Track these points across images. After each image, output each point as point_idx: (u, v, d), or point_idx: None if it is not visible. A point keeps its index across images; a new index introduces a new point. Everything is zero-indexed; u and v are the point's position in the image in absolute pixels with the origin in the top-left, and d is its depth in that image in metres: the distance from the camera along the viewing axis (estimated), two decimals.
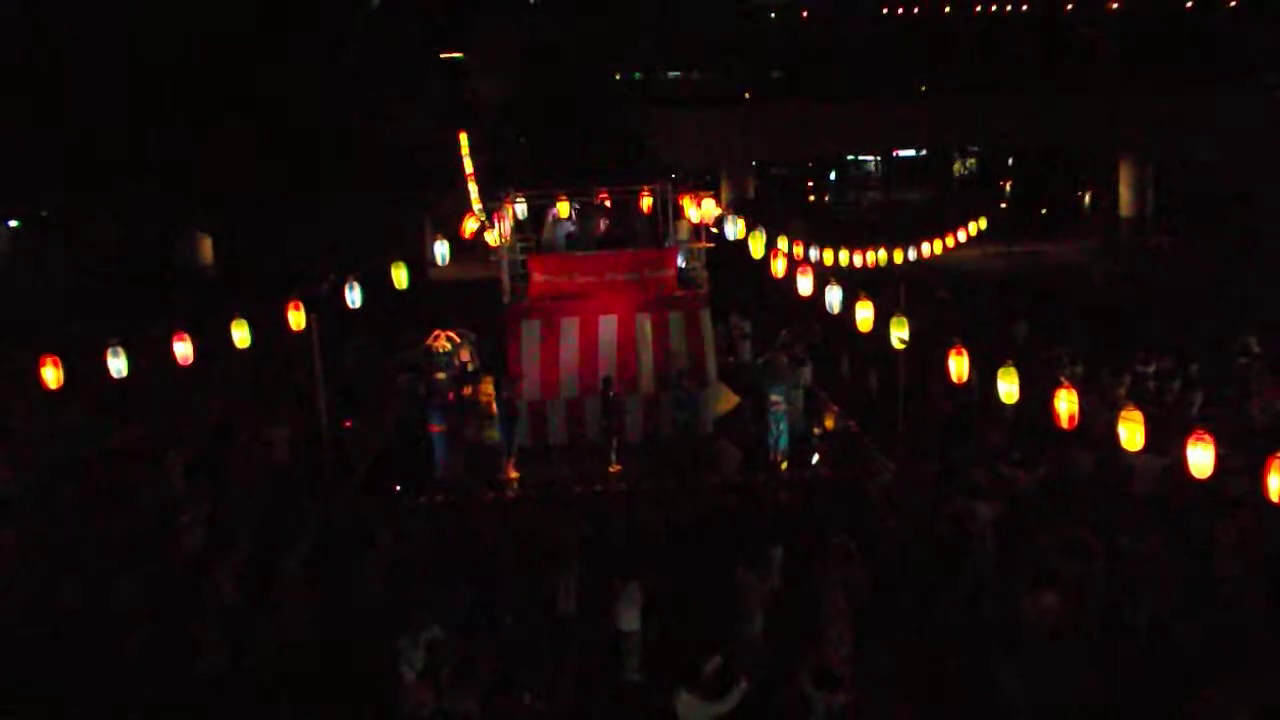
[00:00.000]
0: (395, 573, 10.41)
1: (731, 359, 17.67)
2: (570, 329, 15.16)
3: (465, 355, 16.60)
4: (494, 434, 14.34)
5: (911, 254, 20.60)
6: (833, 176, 48.91)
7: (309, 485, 13.08)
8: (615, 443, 13.72)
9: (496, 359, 15.86)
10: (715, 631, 8.96)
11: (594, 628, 9.77)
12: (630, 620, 9.32)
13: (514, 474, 13.60)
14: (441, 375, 15.19)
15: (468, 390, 15.00)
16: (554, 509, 12.15)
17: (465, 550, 11.00)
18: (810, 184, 47.98)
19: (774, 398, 13.73)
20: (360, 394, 17.01)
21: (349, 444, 14.75)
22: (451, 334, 16.69)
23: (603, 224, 16.68)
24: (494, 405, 14.51)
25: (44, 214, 32.46)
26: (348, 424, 14.33)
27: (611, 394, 13.92)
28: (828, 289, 12.55)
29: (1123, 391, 14.71)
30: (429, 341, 16.65)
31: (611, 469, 13.63)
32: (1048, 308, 22.78)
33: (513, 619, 9.71)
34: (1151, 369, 16.03)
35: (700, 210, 15.27)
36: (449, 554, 10.84)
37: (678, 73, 44.22)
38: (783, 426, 13.73)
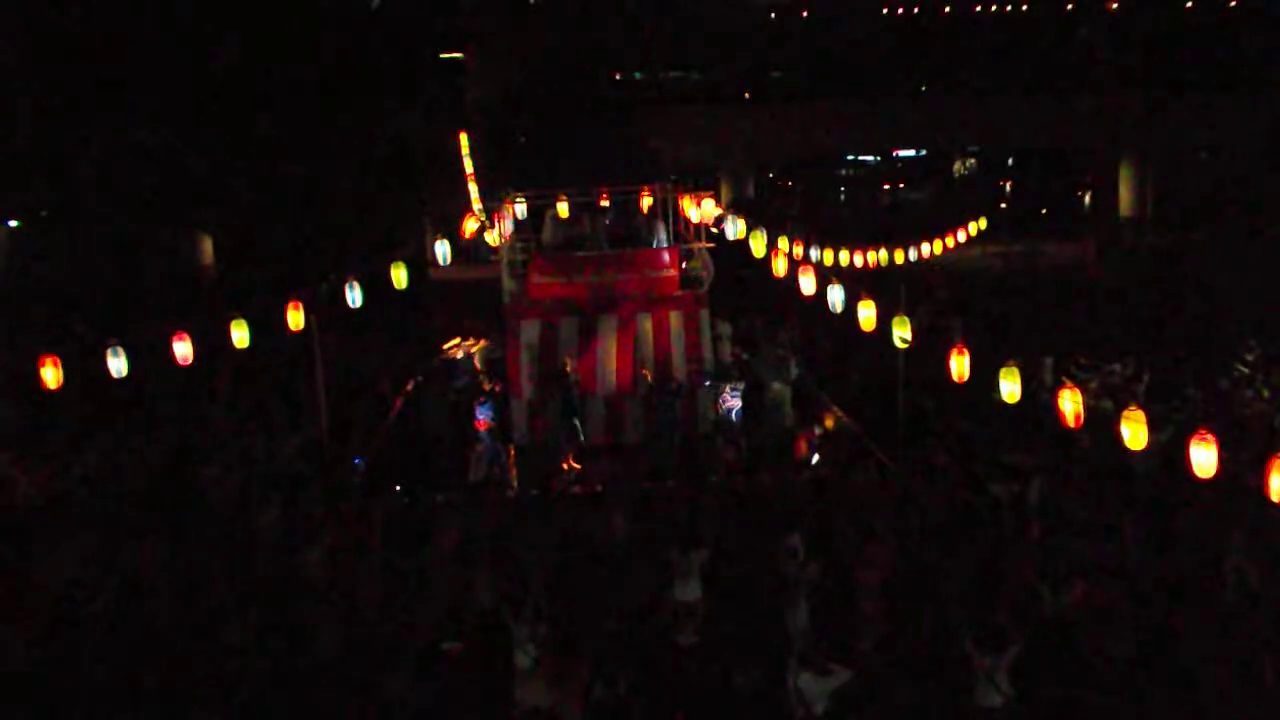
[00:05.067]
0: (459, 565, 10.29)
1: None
2: (570, 329, 15.16)
3: (477, 364, 16.77)
4: None
5: (912, 254, 20.58)
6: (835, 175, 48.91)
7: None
8: (674, 440, 14.12)
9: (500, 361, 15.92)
10: (769, 610, 8.96)
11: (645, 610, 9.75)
12: (689, 591, 9.42)
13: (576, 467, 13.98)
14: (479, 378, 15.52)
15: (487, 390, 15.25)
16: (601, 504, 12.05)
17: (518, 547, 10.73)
18: (808, 186, 47.93)
19: (775, 385, 14.47)
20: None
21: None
22: (457, 342, 16.89)
23: (608, 224, 16.72)
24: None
25: (44, 214, 32.36)
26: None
27: (670, 389, 14.40)
28: (829, 289, 12.52)
29: (1094, 386, 14.83)
30: (450, 347, 16.86)
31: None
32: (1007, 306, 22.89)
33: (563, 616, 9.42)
34: (1118, 367, 16.11)
35: (700, 210, 15.25)
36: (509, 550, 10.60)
37: (678, 73, 44.15)
38: (776, 416, 14.45)
